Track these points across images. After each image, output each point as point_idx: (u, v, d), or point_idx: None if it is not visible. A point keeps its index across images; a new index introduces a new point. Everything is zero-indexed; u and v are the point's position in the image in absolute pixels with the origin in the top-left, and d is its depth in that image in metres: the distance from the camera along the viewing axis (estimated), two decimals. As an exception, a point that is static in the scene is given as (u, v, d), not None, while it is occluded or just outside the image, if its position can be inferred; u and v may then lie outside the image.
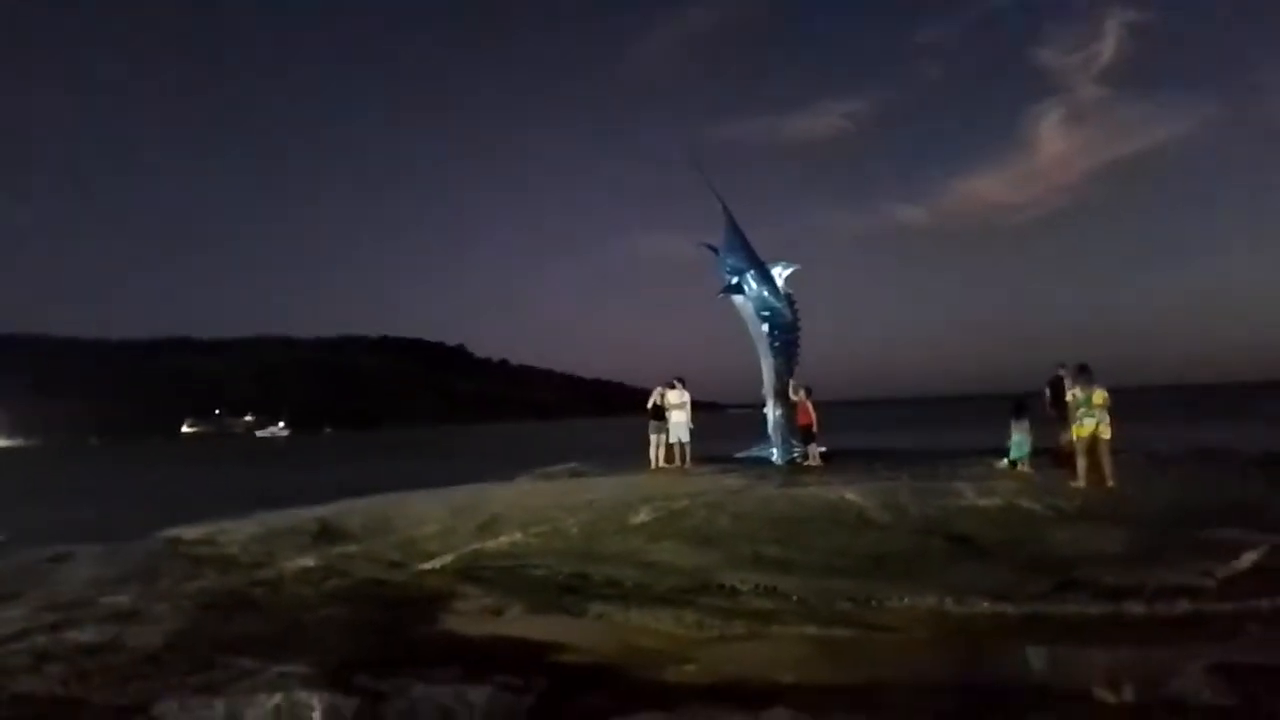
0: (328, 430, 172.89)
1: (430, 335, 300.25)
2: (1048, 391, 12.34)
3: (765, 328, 14.70)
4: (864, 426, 40.74)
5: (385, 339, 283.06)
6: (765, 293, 14.65)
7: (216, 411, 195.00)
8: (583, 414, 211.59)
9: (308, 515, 10.90)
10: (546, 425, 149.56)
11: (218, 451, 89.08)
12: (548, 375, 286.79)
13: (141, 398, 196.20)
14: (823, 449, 14.34)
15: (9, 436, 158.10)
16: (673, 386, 14.71)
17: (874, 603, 7.25)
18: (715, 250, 14.90)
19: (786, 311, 14.88)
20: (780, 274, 14.90)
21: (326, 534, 10.08)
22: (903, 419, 64.36)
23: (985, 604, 7.08)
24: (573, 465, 17.81)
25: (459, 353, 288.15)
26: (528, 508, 10.48)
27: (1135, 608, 6.82)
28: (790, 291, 15.03)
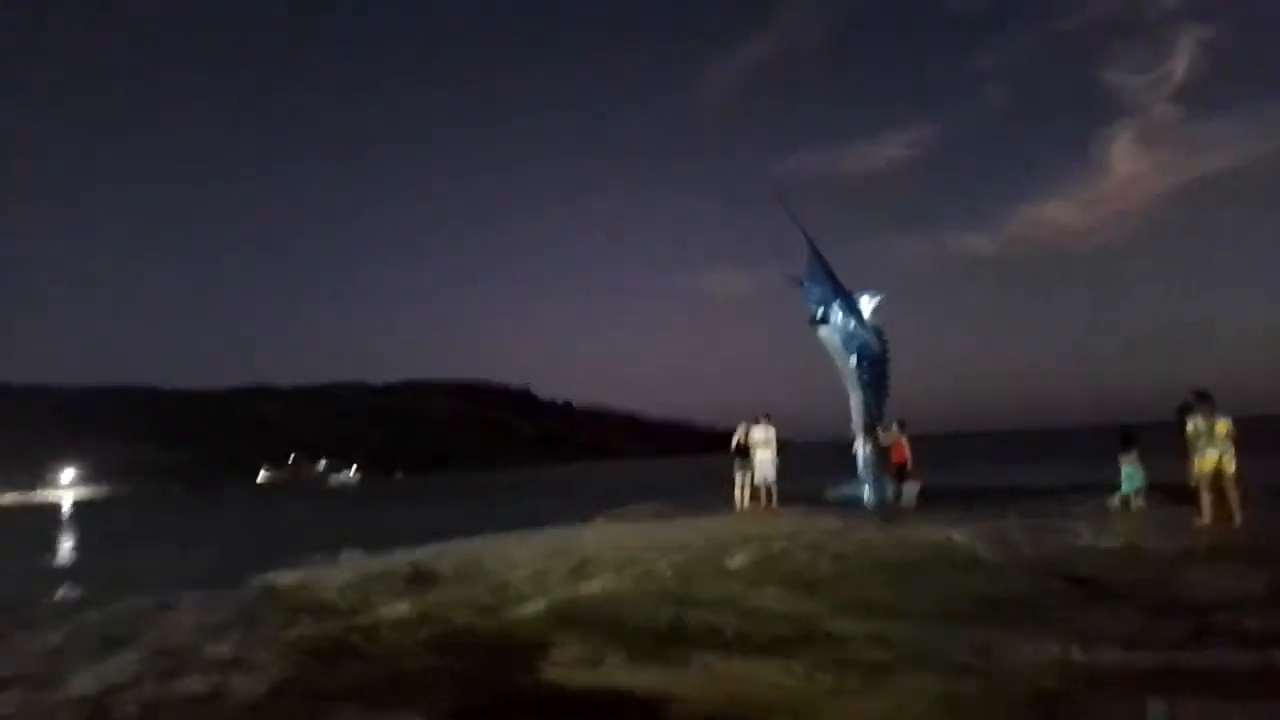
0: (398, 474, 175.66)
1: (496, 377, 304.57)
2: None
3: (853, 360, 14.31)
4: (945, 462, 39.59)
5: (452, 383, 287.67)
6: (852, 324, 14.28)
7: (291, 458, 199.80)
8: (646, 455, 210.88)
9: (399, 560, 10.92)
10: (612, 465, 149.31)
11: (294, 498, 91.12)
12: (611, 416, 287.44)
13: (220, 445, 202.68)
14: (917, 486, 13.85)
15: (97, 484, 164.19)
16: (758, 422, 14.42)
17: (991, 651, 6.84)
18: (801, 281, 14.62)
19: (875, 343, 14.46)
20: (868, 304, 14.54)
21: (419, 579, 10.04)
22: (984, 454, 62.48)
23: (1116, 652, 6.64)
24: (652, 506, 17.59)
25: (524, 395, 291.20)
26: (620, 549, 10.31)
27: (1285, 657, 6.30)
28: (878, 323, 14.64)
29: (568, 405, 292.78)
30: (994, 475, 24.77)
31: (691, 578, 9.15)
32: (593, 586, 9.31)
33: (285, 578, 10.81)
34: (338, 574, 10.65)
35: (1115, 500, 11.23)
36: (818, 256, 14.57)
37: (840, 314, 14.19)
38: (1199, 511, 9.69)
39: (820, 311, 14.24)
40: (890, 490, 14.23)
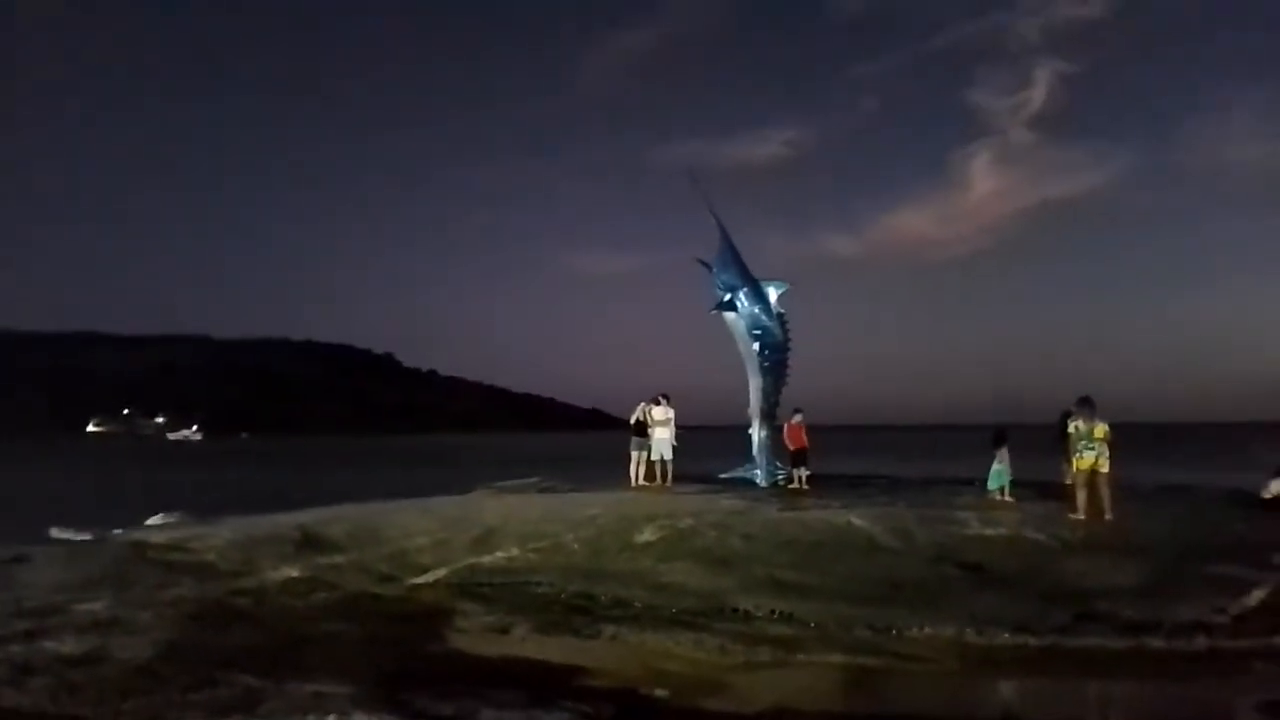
0: (244, 435, 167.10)
1: (359, 342, 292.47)
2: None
3: (756, 346, 14.54)
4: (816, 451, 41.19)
5: (310, 343, 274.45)
6: (757, 310, 14.49)
7: (125, 411, 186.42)
8: (512, 428, 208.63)
9: (287, 522, 10.33)
10: (478, 438, 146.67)
11: (130, 453, 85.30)
12: (477, 388, 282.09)
13: (45, 393, 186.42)
14: (807, 472, 14.24)
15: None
16: (658, 403, 14.45)
17: (894, 631, 7.10)
18: (708, 266, 14.71)
19: (778, 330, 14.73)
20: (773, 292, 14.79)
21: (310, 543, 9.54)
22: (847, 446, 65.51)
23: (1006, 635, 7.00)
24: (534, 479, 17.36)
25: (387, 361, 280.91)
26: (524, 521, 10.11)
27: (1155, 642, 6.80)
28: (782, 311, 14.91)
29: (432, 374, 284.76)
30: (866, 465, 25.84)
31: (600, 552, 9.08)
32: (496, 558, 9.12)
33: (156, 535, 10.03)
34: (216, 534, 9.95)
35: (995, 493, 11.92)
36: (728, 243, 14.72)
37: (746, 301, 14.40)
38: (1074, 507, 10.39)
39: (727, 297, 14.40)
40: (781, 474, 14.64)
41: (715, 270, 14.63)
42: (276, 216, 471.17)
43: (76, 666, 5.98)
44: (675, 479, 14.34)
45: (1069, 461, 10.79)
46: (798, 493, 13.44)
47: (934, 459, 38.70)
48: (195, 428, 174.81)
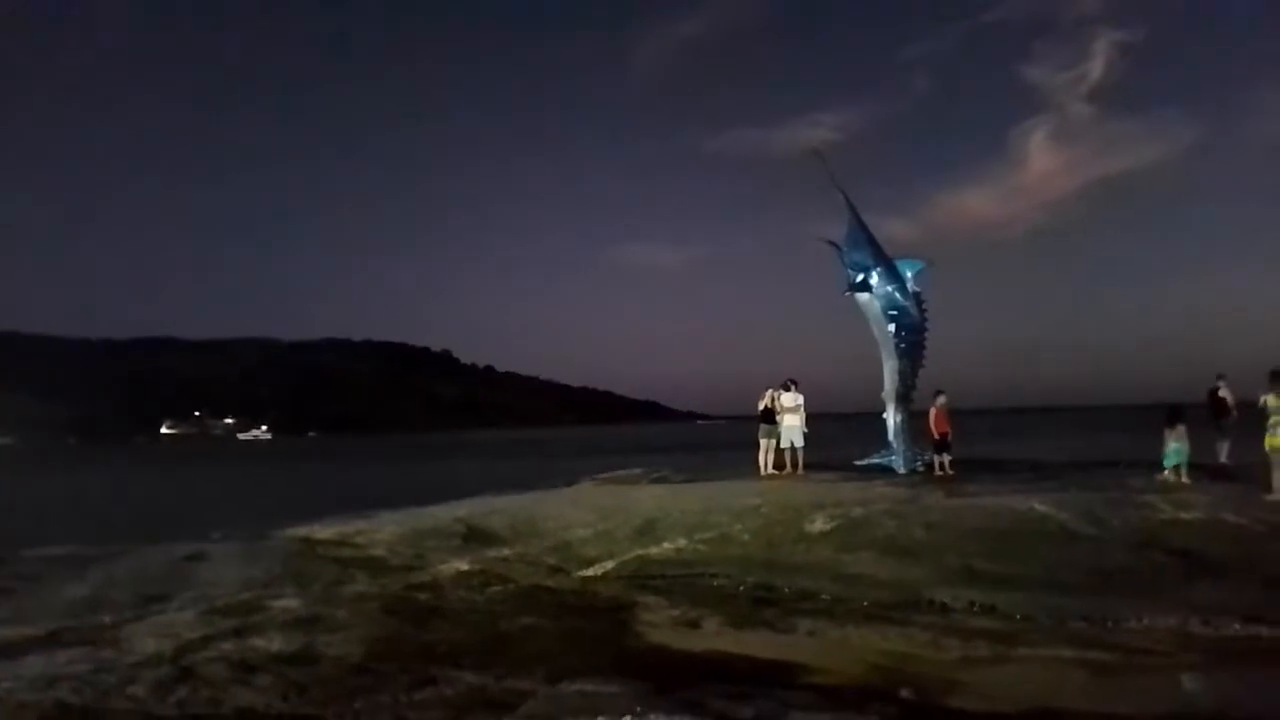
0: (311, 434, 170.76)
1: (416, 340, 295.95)
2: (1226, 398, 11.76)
3: (891, 328, 14.02)
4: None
5: (369, 342, 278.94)
6: (891, 289, 13.96)
7: (197, 413, 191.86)
8: (569, 422, 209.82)
9: (445, 515, 10.28)
10: (541, 431, 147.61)
11: (209, 454, 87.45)
12: (533, 382, 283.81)
13: (120, 397, 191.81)
14: (949, 457, 13.69)
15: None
16: (787, 389, 14.09)
17: (1110, 623, 6.68)
18: (837, 246, 14.20)
19: (914, 311, 14.20)
20: (909, 272, 14.24)
21: (474, 536, 9.46)
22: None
23: (1237, 625, 6.54)
24: (641, 470, 17.07)
25: (444, 358, 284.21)
26: (685, 511, 9.90)
27: (1405, 630, 6.30)
28: (918, 290, 14.35)
29: (489, 370, 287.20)
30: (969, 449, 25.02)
31: (773, 542, 8.80)
32: (664, 549, 8.91)
33: (322, 531, 10.01)
34: (379, 529, 9.96)
35: (1167, 474, 11.29)
36: (858, 221, 14.19)
37: (880, 281, 13.89)
38: (1268, 487, 9.72)
39: (859, 278, 13.90)
40: (921, 459, 14.09)
41: (845, 250, 14.11)
42: (332, 221, 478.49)
43: (295, 665, 5.90)
44: (805, 467, 13.96)
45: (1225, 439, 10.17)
46: (945, 479, 12.91)
47: (1036, 439, 37.50)
48: (265, 428, 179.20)
